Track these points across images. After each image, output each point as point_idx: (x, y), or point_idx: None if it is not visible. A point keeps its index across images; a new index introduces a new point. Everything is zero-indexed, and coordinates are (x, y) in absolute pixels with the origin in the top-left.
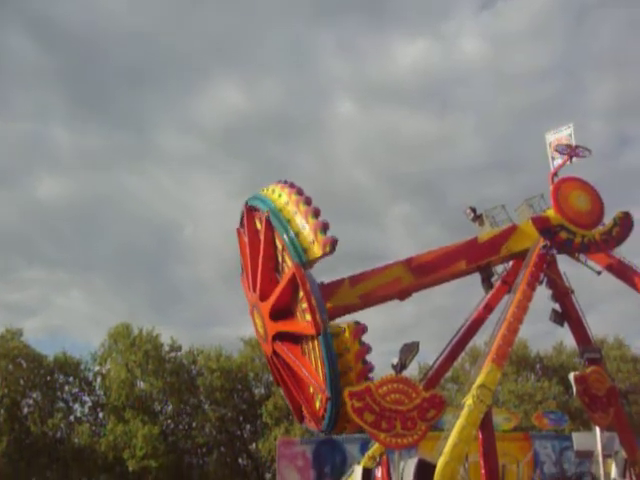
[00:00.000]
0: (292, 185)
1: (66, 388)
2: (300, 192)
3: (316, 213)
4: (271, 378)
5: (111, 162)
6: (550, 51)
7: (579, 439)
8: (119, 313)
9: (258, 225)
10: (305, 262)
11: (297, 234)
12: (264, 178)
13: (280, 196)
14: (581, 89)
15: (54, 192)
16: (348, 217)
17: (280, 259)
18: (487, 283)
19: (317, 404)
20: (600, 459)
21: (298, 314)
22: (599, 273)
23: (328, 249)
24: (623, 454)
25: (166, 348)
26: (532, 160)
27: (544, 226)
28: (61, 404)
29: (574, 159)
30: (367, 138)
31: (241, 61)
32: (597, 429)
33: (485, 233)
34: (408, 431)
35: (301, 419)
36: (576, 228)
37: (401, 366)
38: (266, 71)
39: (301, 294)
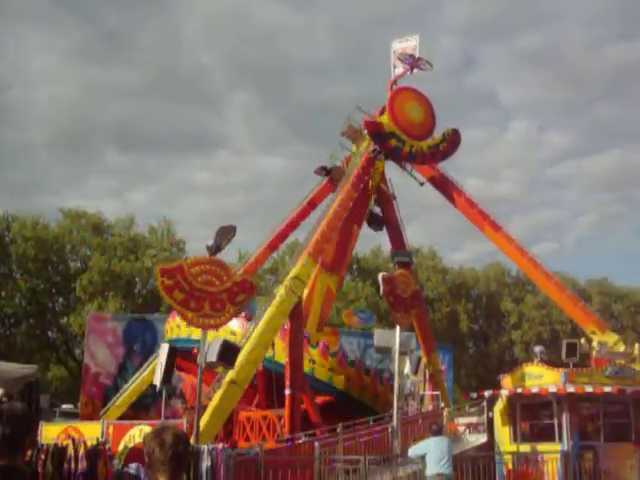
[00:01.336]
0: None
1: None
2: None
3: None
4: (88, 252)
5: None
6: None
7: (379, 335)
8: None
9: None
10: None
11: None
12: (103, 46)
13: None
14: (438, 4)
15: None
16: (188, 98)
17: None
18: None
19: None
20: (396, 356)
21: None
22: (422, 184)
23: None
24: (417, 353)
25: None
26: (379, 66)
27: (375, 130)
28: None
29: (415, 70)
30: (217, 19)
31: None
32: (397, 328)
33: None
34: (216, 312)
35: None
36: (406, 137)
37: (216, 248)
38: None
39: None
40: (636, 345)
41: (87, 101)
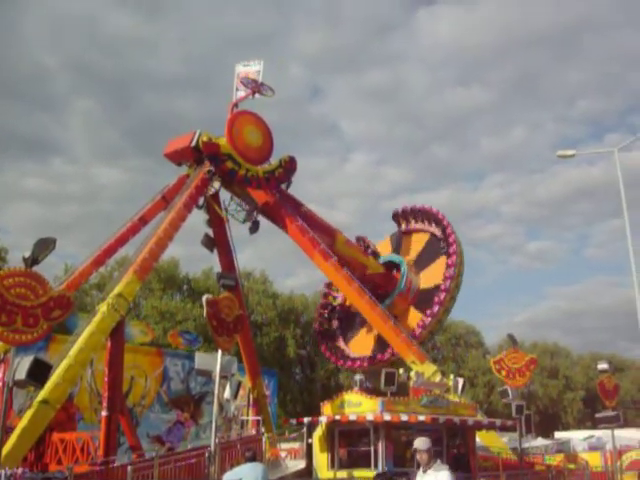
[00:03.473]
0: None
1: None
2: None
3: None
4: None
5: None
6: None
7: (200, 358)
8: None
9: None
10: None
11: None
12: None
13: None
14: (290, 33)
15: None
16: (25, 98)
17: None
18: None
19: None
20: (217, 379)
21: None
22: (256, 208)
23: None
24: (238, 378)
25: None
26: (225, 86)
27: (211, 151)
28: None
29: (257, 95)
30: (64, 20)
31: None
32: (219, 351)
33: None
34: (29, 328)
35: None
36: (243, 161)
37: (33, 260)
38: None
39: None
40: (451, 376)
41: None
